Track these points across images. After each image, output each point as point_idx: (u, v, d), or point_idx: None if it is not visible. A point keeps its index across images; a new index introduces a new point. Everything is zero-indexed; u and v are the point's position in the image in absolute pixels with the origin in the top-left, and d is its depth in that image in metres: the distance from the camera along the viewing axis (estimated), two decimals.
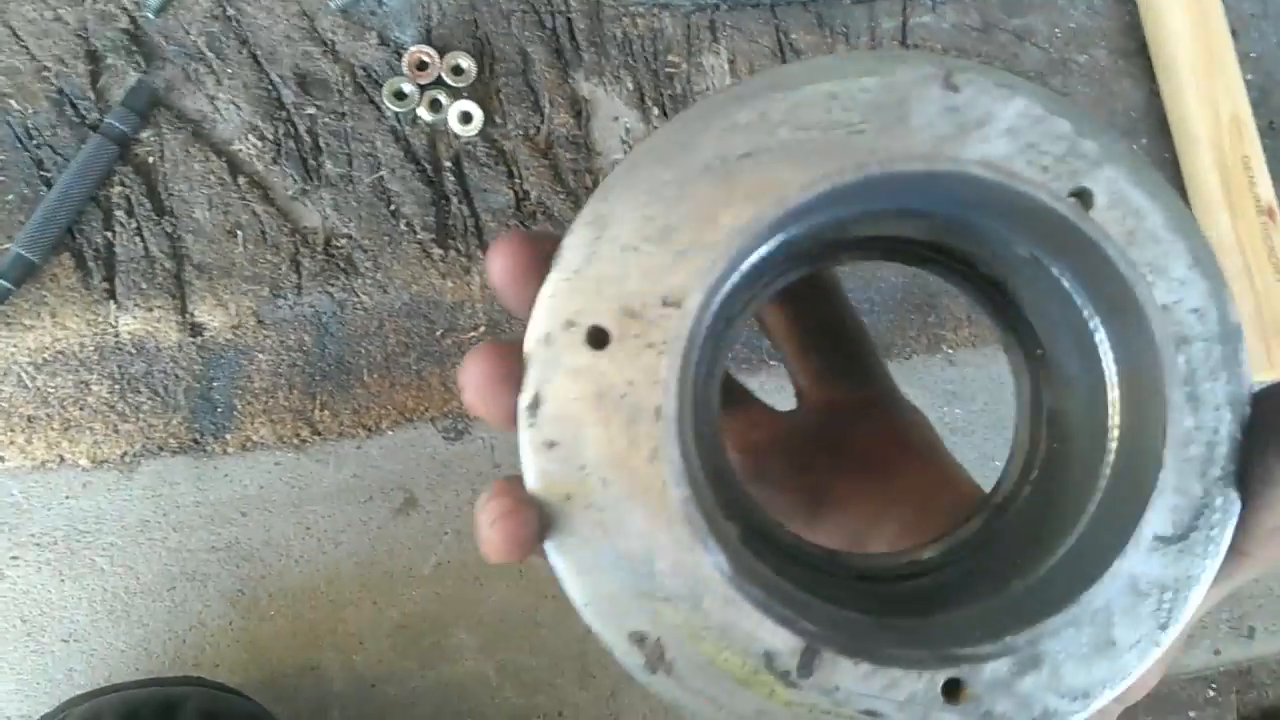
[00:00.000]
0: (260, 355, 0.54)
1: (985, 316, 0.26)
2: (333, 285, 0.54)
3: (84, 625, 0.52)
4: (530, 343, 0.20)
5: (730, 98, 0.20)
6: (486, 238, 0.55)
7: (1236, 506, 0.20)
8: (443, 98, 0.55)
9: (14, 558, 0.52)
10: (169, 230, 0.53)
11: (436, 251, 0.55)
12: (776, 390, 0.44)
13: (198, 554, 0.53)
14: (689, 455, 0.20)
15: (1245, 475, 0.20)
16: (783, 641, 0.19)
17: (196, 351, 0.53)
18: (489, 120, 0.56)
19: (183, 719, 0.45)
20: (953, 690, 0.20)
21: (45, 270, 0.52)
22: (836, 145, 0.20)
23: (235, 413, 0.53)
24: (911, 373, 0.58)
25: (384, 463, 0.55)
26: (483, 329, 0.55)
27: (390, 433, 0.55)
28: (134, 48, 0.54)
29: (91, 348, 0.53)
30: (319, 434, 0.54)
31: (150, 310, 0.53)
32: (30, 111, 0.53)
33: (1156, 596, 0.20)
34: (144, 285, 0.53)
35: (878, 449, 0.31)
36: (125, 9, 0.54)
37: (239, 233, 0.54)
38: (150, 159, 0.54)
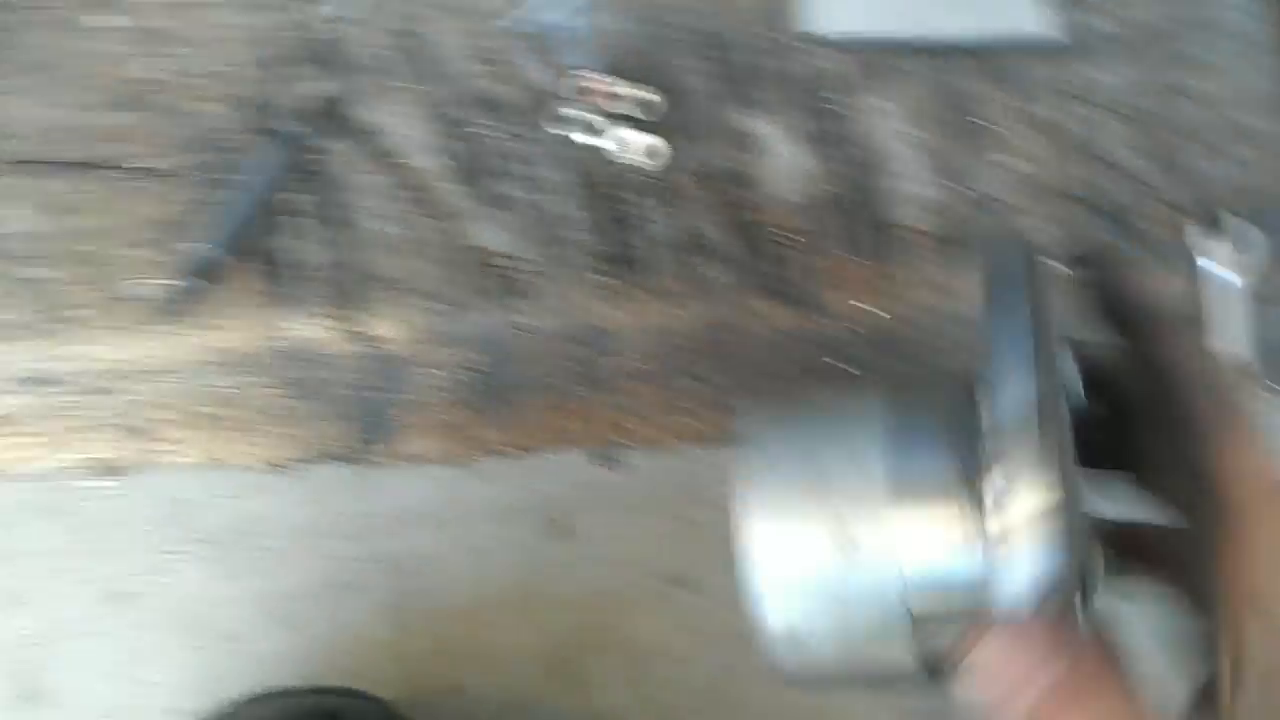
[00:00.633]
0: (427, 370, 0.54)
1: None
2: (501, 305, 0.55)
3: (244, 625, 0.53)
4: None
5: None
6: (652, 268, 0.56)
7: None
8: (619, 127, 0.56)
9: (180, 552, 0.53)
10: (345, 240, 0.54)
11: (603, 279, 0.55)
12: None
13: (355, 563, 0.53)
14: None
15: None
16: None
17: (366, 362, 0.54)
18: (661, 152, 0.56)
19: None
20: None
21: (229, 272, 0.53)
22: None
23: (400, 425, 0.54)
24: None
25: (538, 485, 0.55)
26: (643, 358, 0.56)
27: (546, 455, 0.55)
28: (318, 57, 0.56)
29: (268, 352, 0.54)
30: (478, 451, 0.55)
31: (326, 318, 0.54)
32: (218, 115, 0.55)
33: None
34: (318, 292, 0.54)
35: None
36: (310, 19, 0.56)
37: (414, 247, 0.55)
38: (330, 168, 0.55)
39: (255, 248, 0.54)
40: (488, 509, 0.55)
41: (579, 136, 0.55)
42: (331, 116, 0.55)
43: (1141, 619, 0.28)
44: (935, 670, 0.29)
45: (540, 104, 0.56)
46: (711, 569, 0.54)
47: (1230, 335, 0.55)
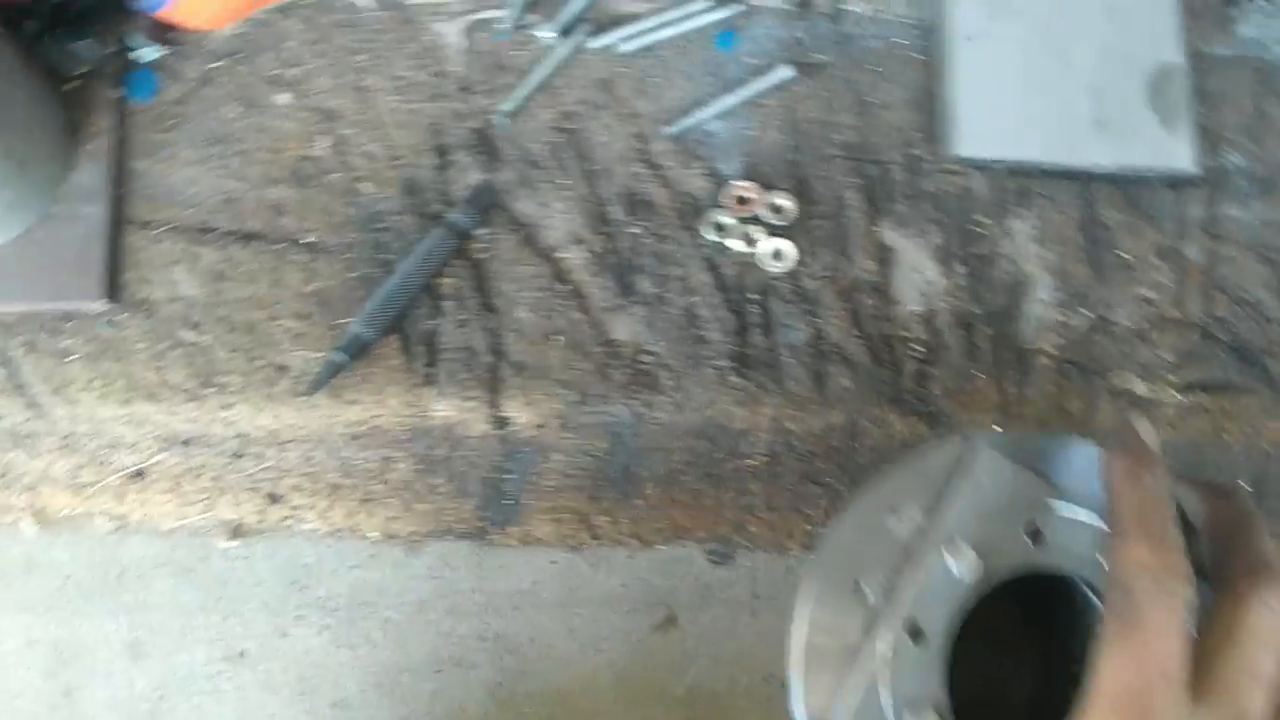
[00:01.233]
0: (556, 455, 0.55)
1: None
2: (634, 398, 0.56)
3: (353, 694, 0.53)
4: None
5: None
6: (782, 371, 0.56)
7: None
8: (758, 233, 0.57)
9: (299, 617, 0.54)
10: (492, 326, 0.56)
11: (733, 379, 0.56)
12: None
13: (467, 640, 0.54)
14: None
15: None
16: None
17: (499, 444, 0.55)
18: (798, 259, 0.57)
19: None
20: None
21: (376, 349, 0.55)
22: None
23: (523, 507, 0.55)
24: None
25: (651, 576, 0.55)
26: (763, 458, 0.56)
27: (661, 547, 0.55)
28: (482, 148, 0.58)
29: (402, 428, 0.55)
30: (596, 539, 0.55)
31: (465, 400, 0.55)
32: (382, 196, 0.57)
33: None
34: (463, 375, 0.55)
35: None
36: (478, 111, 0.59)
37: (556, 337, 0.56)
38: (483, 256, 0.57)
39: (408, 328, 0.56)
40: (601, 597, 0.55)
41: (730, 242, 0.57)
42: (494, 206, 0.57)
43: None
44: None
45: (694, 209, 0.58)
46: None
47: None
